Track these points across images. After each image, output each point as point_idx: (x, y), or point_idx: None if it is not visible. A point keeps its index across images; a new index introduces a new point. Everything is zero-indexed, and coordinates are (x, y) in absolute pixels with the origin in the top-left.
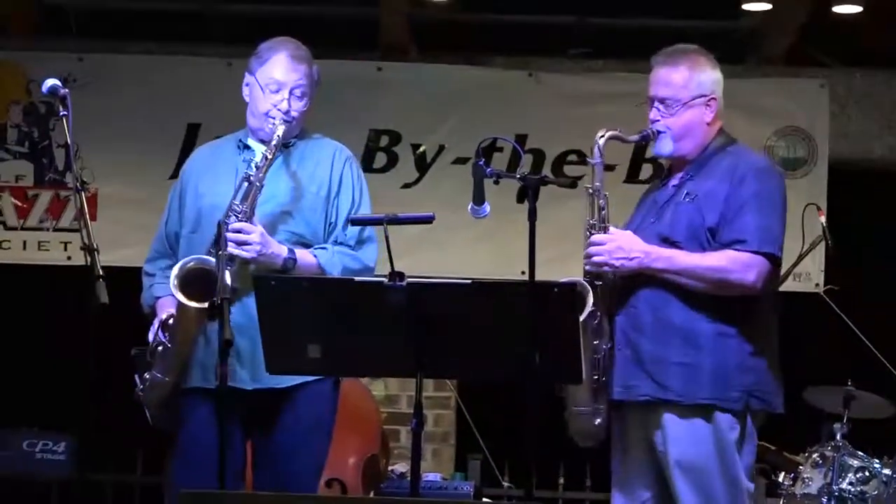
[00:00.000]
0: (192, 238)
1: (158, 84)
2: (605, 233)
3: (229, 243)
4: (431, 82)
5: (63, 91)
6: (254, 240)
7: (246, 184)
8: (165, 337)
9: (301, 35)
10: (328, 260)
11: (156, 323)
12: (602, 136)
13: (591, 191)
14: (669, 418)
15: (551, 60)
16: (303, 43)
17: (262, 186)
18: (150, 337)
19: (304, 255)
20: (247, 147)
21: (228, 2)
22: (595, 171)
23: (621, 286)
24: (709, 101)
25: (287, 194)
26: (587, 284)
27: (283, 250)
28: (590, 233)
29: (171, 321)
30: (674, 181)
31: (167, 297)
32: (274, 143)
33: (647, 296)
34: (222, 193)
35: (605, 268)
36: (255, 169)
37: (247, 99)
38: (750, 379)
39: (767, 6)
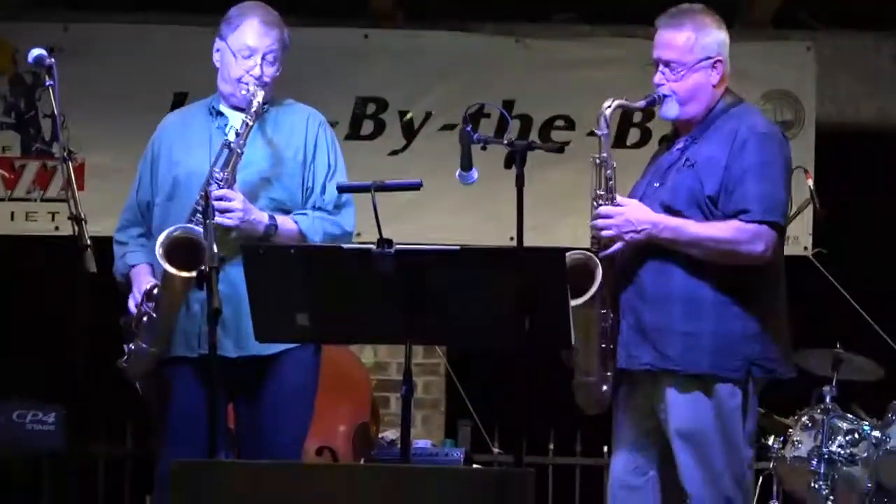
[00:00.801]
0: (167, 206)
1: (144, 53)
2: (612, 204)
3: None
4: (418, 49)
5: (49, 61)
6: (236, 206)
7: (226, 151)
8: (150, 307)
9: (288, 3)
10: (309, 226)
11: (137, 293)
12: (609, 107)
13: (598, 161)
14: (670, 388)
15: (538, 26)
16: (289, 10)
17: (242, 154)
18: (132, 307)
19: (284, 222)
20: (220, 113)
21: None
22: (602, 141)
23: (627, 256)
24: (715, 62)
25: (265, 160)
26: (595, 258)
27: (264, 217)
28: (597, 203)
29: (155, 291)
30: (679, 145)
31: (142, 266)
32: (254, 109)
33: (650, 265)
34: (198, 160)
35: (617, 243)
36: (235, 136)
37: (217, 64)
38: (754, 348)
39: None
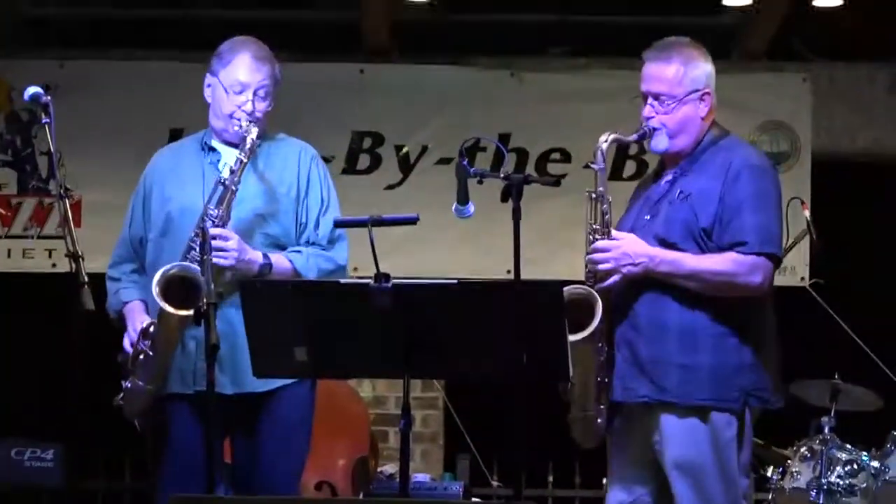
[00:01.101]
0: (160, 242)
1: (140, 89)
2: (608, 238)
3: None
4: (414, 83)
5: (45, 98)
6: (231, 246)
7: (221, 188)
8: (146, 345)
9: (284, 39)
10: (304, 264)
11: (132, 332)
12: (605, 141)
13: (594, 196)
14: (666, 419)
15: (533, 59)
16: (286, 46)
17: (236, 191)
18: (127, 346)
19: (279, 260)
20: (212, 149)
21: (209, 7)
22: (598, 175)
23: (622, 288)
24: (703, 95)
25: (259, 197)
26: (595, 293)
27: (258, 256)
28: (593, 238)
29: (151, 329)
30: (667, 177)
31: (136, 302)
32: (248, 146)
33: (644, 297)
34: (191, 196)
35: (614, 276)
36: (229, 173)
37: (209, 100)
38: (749, 379)
39: (749, 1)
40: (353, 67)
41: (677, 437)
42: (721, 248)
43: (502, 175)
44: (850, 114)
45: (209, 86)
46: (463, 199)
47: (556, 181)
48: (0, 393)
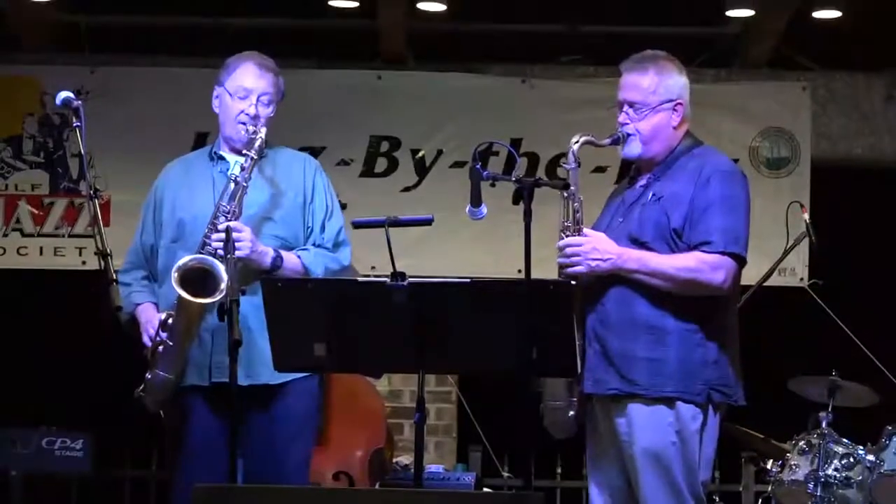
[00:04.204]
0: (172, 248)
1: (167, 95)
2: (579, 234)
3: (215, 242)
4: (430, 90)
5: (76, 103)
6: (245, 237)
7: (232, 184)
8: (165, 336)
9: (304, 47)
10: (311, 261)
11: (149, 326)
12: (577, 142)
13: (565, 195)
14: (634, 408)
15: (545, 68)
16: (306, 54)
17: (247, 187)
18: (146, 339)
19: (289, 256)
20: (221, 158)
21: (234, 16)
22: (570, 175)
23: (592, 284)
24: (675, 105)
25: (268, 200)
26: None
27: (269, 250)
28: (564, 235)
29: (170, 320)
30: (641, 182)
31: (147, 304)
32: (257, 144)
33: (614, 294)
34: (201, 204)
35: (580, 268)
36: (240, 170)
37: (216, 110)
38: (712, 373)
39: (750, 13)
40: (371, 74)
41: (646, 426)
42: (690, 248)
43: (514, 178)
44: (848, 121)
45: (217, 97)
46: (476, 201)
47: (566, 185)
48: (31, 384)
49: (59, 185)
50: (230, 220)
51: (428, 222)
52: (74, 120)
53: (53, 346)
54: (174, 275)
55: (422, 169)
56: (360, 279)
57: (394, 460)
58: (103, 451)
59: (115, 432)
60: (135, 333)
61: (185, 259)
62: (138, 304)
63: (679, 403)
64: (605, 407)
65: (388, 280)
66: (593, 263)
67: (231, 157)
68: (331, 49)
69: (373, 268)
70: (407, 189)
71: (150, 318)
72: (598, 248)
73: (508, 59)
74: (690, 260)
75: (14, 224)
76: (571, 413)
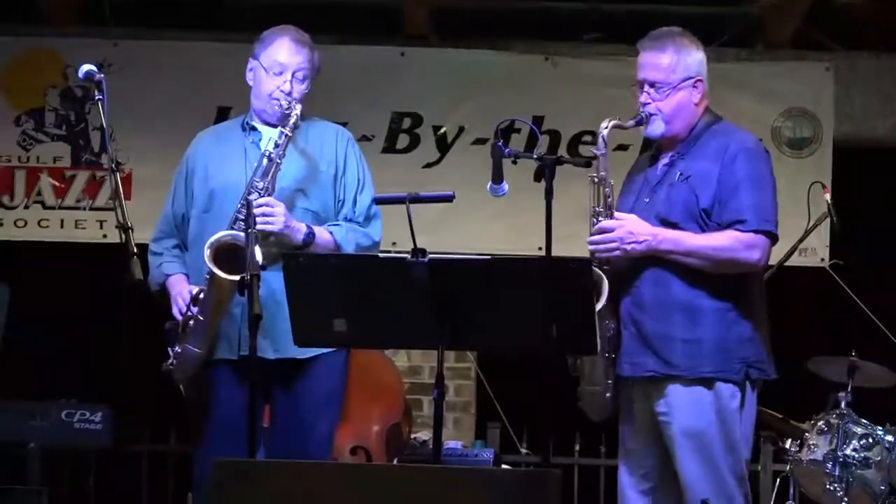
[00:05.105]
0: (203, 217)
1: (190, 69)
2: (612, 218)
3: (256, 218)
4: (452, 67)
5: (98, 76)
6: (279, 212)
7: (266, 161)
8: (196, 311)
9: (327, 23)
10: (343, 237)
11: (179, 299)
12: (606, 128)
13: (596, 179)
14: (673, 388)
15: (567, 45)
16: (330, 30)
17: (280, 164)
18: (176, 312)
19: (321, 232)
20: (253, 129)
21: None
22: (600, 160)
23: (625, 267)
24: (696, 82)
25: (301, 172)
26: (601, 273)
27: (301, 226)
28: (597, 219)
29: (201, 295)
30: (664, 160)
31: (178, 275)
32: (292, 121)
33: (648, 275)
34: (233, 173)
35: (616, 252)
36: (274, 146)
37: (250, 83)
38: (749, 351)
39: None
40: (394, 51)
41: (685, 406)
42: (720, 227)
43: (536, 156)
44: (870, 101)
45: (251, 69)
46: (497, 178)
47: (587, 162)
48: (52, 357)
49: (81, 157)
50: (263, 196)
51: (449, 199)
52: (96, 93)
53: (74, 318)
54: (206, 251)
55: (443, 145)
56: (380, 255)
57: (412, 436)
58: (123, 424)
59: (135, 407)
60: (165, 303)
61: (217, 235)
62: (169, 276)
63: (718, 383)
64: (643, 389)
65: (408, 256)
66: (629, 247)
67: (264, 129)
68: (353, 25)
69: (393, 244)
70: (428, 165)
71: (181, 291)
72: (632, 232)
73: (531, 36)
74: (726, 239)
75: (35, 196)
76: (608, 395)
